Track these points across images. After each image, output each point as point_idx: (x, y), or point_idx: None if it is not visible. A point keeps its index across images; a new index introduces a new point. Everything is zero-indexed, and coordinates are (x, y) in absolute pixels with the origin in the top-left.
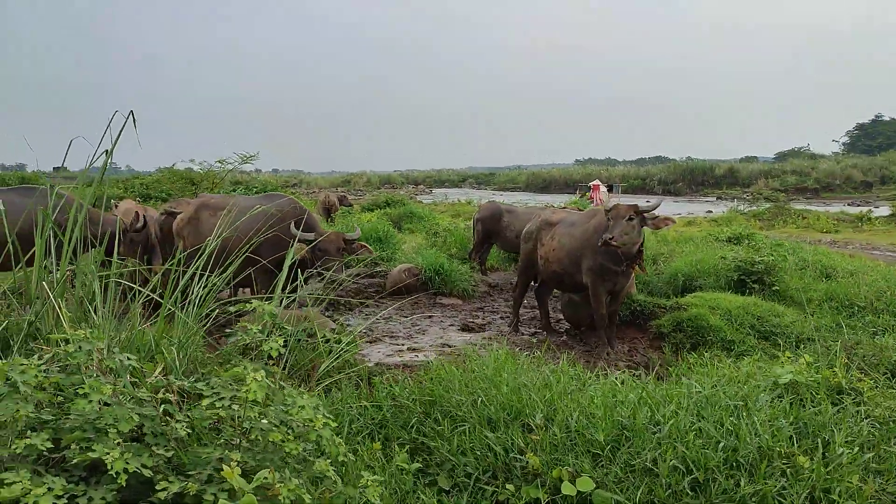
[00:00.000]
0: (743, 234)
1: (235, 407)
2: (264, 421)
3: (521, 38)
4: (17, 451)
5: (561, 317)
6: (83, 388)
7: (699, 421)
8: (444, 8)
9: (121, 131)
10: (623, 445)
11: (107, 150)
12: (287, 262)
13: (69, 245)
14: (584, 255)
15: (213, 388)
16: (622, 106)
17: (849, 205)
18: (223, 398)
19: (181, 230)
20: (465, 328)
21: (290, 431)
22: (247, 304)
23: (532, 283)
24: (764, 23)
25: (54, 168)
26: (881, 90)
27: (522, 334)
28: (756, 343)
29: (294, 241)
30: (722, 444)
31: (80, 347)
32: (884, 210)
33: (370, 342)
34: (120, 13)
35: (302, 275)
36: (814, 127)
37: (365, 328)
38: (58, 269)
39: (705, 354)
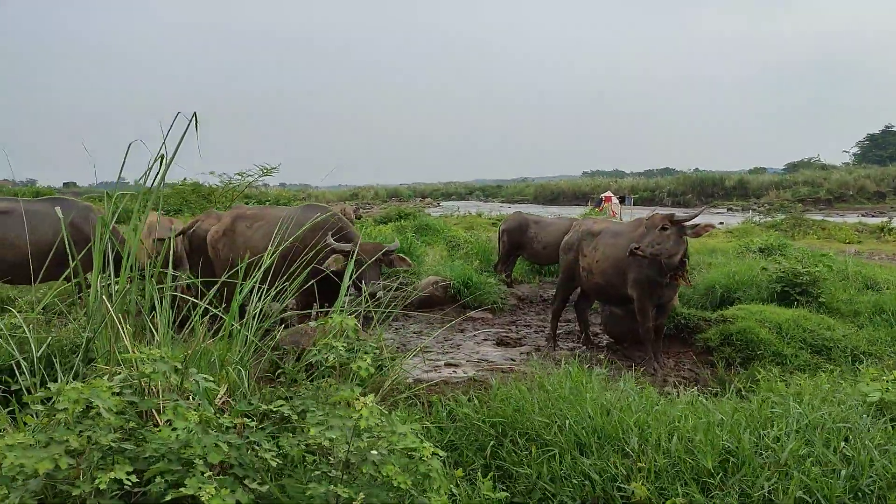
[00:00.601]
0: (774, 244)
1: (332, 435)
2: (374, 452)
3: (519, 48)
4: (101, 486)
5: (597, 330)
6: (167, 413)
7: (806, 445)
8: (436, 16)
9: (183, 135)
10: (732, 473)
11: (162, 156)
12: (347, 278)
13: (128, 258)
14: (629, 267)
15: (315, 412)
16: (629, 117)
17: (863, 215)
18: (331, 427)
19: (216, 242)
20: (501, 343)
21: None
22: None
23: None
24: (769, 33)
25: (64, 183)
26: (891, 100)
27: (561, 349)
28: (809, 357)
29: (355, 254)
30: (844, 472)
31: (156, 368)
32: None
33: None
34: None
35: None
36: (823, 137)
37: (428, 344)
38: (112, 283)
39: (773, 370)
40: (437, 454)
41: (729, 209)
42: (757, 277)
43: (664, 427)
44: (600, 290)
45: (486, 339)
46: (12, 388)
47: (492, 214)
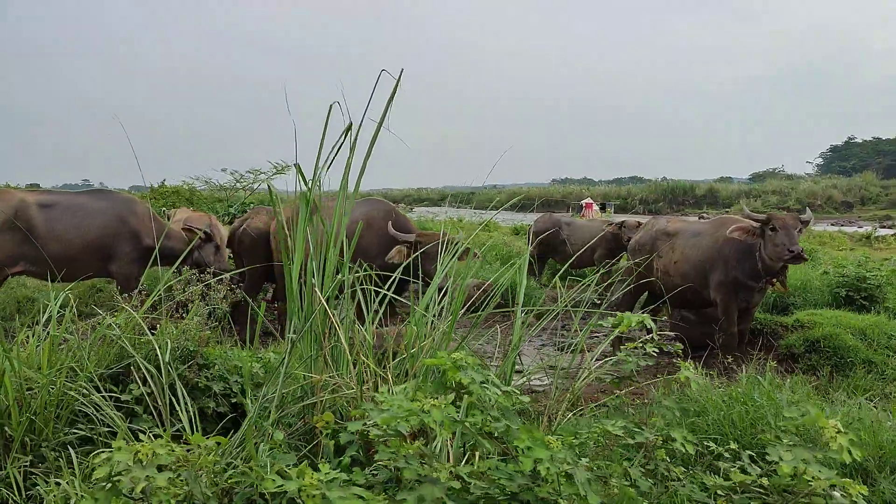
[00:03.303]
0: (805, 248)
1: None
2: (837, 494)
3: (489, 57)
4: None
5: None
6: (521, 438)
7: None
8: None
9: (392, 95)
10: None
11: (349, 127)
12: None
13: (330, 247)
14: (714, 269)
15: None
16: (596, 126)
17: (832, 224)
18: (806, 461)
19: (277, 234)
20: (561, 348)
21: None
22: None
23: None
24: (730, 47)
25: (28, 184)
26: (854, 112)
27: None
28: None
29: (443, 249)
30: None
31: (474, 378)
32: (886, 231)
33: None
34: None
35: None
36: (785, 148)
37: (488, 351)
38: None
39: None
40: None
41: (701, 217)
42: (811, 282)
43: None
44: (676, 292)
45: (543, 345)
46: (123, 399)
47: (472, 220)
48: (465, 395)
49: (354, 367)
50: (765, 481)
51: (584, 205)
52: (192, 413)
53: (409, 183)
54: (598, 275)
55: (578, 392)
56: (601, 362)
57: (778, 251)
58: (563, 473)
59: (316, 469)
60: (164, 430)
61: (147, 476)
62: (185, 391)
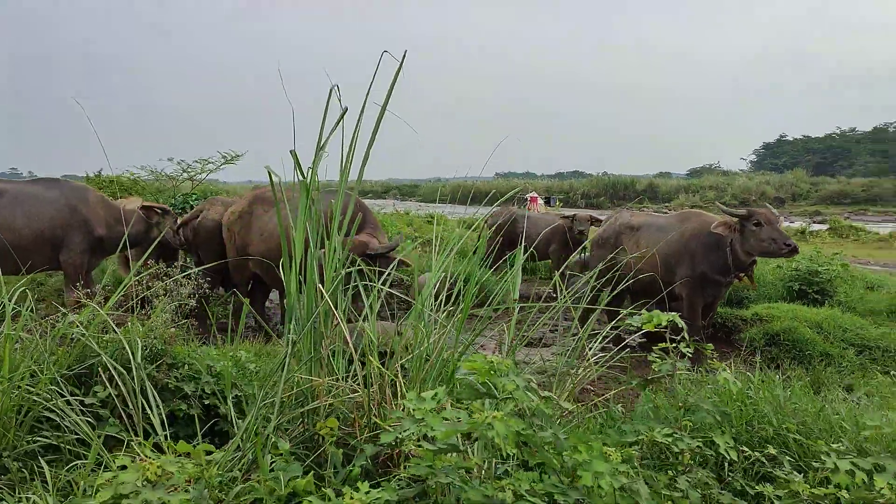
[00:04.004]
0: None
1: None
2: None
3: (430, 50)
4: None
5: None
6: (581, 449)
7: None
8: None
9: (398, 72)
10: None
11: (345, 112)
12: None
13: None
14: (680, 263)
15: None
16: (537, 121)
17: None
18: None
19: (232, 224)
20: (525, 343)
21: None
22: None
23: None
24: (670, 49)
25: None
26: (785, 111)
27: (589, 349)
28: (854, 357)
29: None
30: None
31: (518, 384)
32: (819, 226)
33: None
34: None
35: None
36: (721, 145)
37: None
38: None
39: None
40: None
41: (640, 210)
42: (764, 276)
43: None
44: (641, 287)
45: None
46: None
47: (419, 213)
48: (489, 401)
49: (363, 368)
50: (845, 494)
51: (528, 198)
52: (163, 416)
53: (352, 175)
54: (597, 271)
55: (575, 391)
56: (595, 359)
57: (765, 245)
58: (620, 486)
59: (320, 479)
60: (146, 438)
61: (159, 497)
62: (155, 393)
